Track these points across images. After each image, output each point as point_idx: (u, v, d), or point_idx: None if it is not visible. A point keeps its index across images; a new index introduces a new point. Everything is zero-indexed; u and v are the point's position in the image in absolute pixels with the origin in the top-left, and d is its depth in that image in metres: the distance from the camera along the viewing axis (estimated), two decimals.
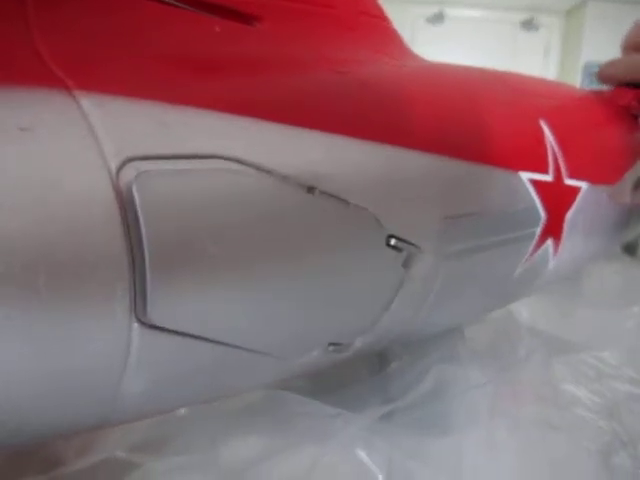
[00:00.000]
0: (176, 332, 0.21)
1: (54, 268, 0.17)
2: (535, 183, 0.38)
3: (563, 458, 0.38)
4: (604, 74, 0.57)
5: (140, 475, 0.33)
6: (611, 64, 0.56)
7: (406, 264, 0.30)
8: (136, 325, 0.19)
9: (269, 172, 0.23)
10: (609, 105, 0.56)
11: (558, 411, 0.43)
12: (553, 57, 3.14)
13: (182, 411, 0.38)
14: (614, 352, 0.53)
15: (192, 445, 0.35)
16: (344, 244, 0.27)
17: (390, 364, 0.47)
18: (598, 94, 0.59)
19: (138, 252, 0.19)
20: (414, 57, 0.41)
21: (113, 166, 0.19)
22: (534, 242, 0.41)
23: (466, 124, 0.35)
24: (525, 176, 0.38)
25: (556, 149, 0.42)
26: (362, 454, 0.35)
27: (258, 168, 0.22)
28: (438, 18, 3.00)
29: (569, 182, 0.43)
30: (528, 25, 3.08)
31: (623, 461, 0.38)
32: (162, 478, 0.33)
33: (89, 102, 0.19)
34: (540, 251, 0.43)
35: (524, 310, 0.62)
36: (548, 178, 0.40)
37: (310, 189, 0.24)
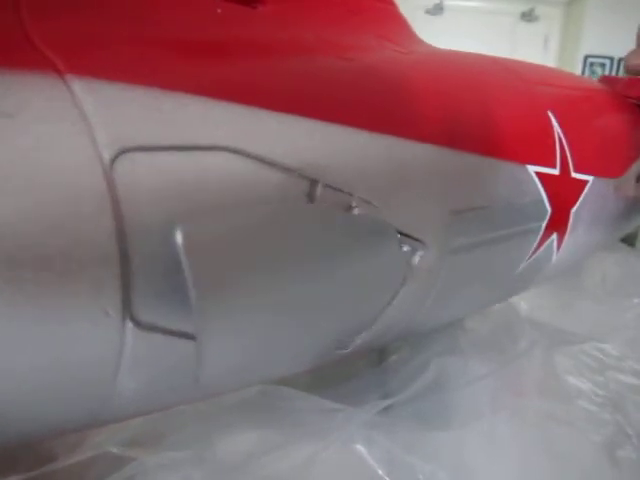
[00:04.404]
0: (171, 331, 0.20)
1: (41, 263, 0.16)
2: (542, 177, 0.38)
3: (567, 451, 0.38)
4: (630, 65, 0.55)
5: (133, 470, 0.32)
6: (633, 54, 0.55)
7: (410, 260, 0.29)
8: (130, 324, 0.18)
9: (271, 165, 0.22)
10: (618, 96, 0.55)
11: (561, 404, 0.42)
12: (553, 48, 3.13)
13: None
14: (616, 344, 0.53)
15: (187, 440, 0.35)
16: (348, 240, 0.26)
17: (390, 357, 0.46)
18: (607, 84, 0.58)
19: (131, 248, 0.18)
20: (420, 43, 0.39)
21: (107, 156, 0.17)
22: (539, 237, 0.40)
23: (473, 115, 0.34)
24: (532, 169, 0.37)
25: (564, 142, 0.41)
26: (361, 449, 0.34)
27: (260, 160, 0.21)
28: (437, 9, 2.98)
29: (575, 176, 0.42)
30: (528, 16, 3.06)
31: (629, 454, 0.37)
32: (155, 473, 0.32)
33: (81, 87, 0.18)
34: (544, 246, 0.42)
35: (524, 302, 0.62)
36: (555, 172, 0.40)
37: (313, 182, 0.23)
